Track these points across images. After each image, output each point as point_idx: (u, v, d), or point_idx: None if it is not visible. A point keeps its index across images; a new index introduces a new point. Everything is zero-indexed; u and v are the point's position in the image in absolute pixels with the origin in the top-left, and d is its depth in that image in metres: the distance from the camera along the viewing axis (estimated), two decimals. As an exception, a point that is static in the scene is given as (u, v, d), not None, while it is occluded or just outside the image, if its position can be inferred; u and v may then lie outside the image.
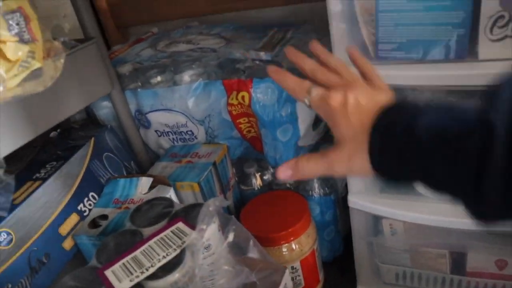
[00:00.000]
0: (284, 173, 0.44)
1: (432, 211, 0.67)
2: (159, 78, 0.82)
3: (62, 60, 0.49)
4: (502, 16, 0.50)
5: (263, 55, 0.74)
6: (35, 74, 0.46)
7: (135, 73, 0.83)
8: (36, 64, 0.47)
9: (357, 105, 0.39)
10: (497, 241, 0.71)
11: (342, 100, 0.40)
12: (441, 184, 0.34)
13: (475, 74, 0.52)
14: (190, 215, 0.54)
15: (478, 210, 0.33)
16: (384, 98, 0.39)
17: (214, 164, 0.76)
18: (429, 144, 0.33)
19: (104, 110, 0.85)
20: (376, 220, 0.76)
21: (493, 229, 0.64)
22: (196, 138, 0.82)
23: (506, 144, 0.29)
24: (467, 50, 0.53)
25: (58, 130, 0.84)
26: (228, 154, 0.81)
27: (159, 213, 0.58)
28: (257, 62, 0.72)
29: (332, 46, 0.58)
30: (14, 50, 0.47)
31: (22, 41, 0.48)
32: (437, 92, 0.57)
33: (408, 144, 0.34)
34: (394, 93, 0.41)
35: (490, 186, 0.30)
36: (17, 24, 0.47)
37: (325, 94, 0.41)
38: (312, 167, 0.43)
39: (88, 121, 0.89)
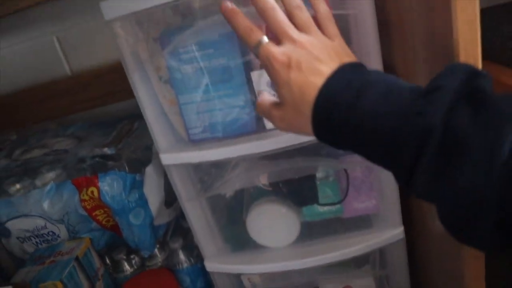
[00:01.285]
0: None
1: (279, 259, 0.76)
2: (17, 186, 0.85)
3: None
4: (273, 95, 0.63)
5: (106, 150, 0.81)
6: None
7: (-10, 185, 0.85)
8: None
9: (299, 69, 0.40)
10: (340, 271, 0.82)
11: (286, 62, 0.40)
12: (376, 162, 0.37)
13: (266, 142, 0.64)
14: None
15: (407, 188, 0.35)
16: (327, 68, 0.39)
17: (76, 258, 0.79)
18: (367, 132, 0.35)
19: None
20: (237, 277, 0.83)
21: (333, 261, 0.74)
22: (59, 237, 0.85)
23: (439, 144, 0.31)
24: (255, 124, 0.65)
25: None
26: (92, 246, 0.85)
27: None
28: (98, 159, 0.79)
29: (153, 136, 0.68)
30: None
31: None
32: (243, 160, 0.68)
33: (348, 127, 0.36)
34: (341, 43, 0.43)
35: (419, 181, 0.33)
36: None
37: (270, 52, 0.41)
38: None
39: None
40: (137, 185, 0.78)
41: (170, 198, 0.87)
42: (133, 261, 0.90)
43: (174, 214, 0.89)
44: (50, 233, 0.85)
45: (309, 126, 0.40)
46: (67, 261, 0.79)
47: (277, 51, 0.41)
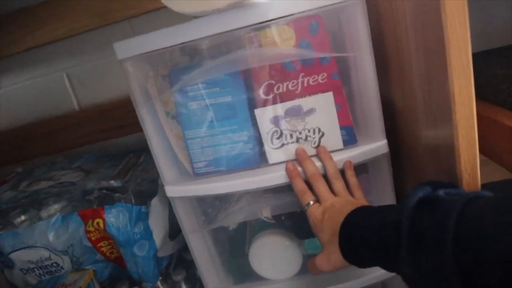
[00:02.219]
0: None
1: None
2: (22, 218, 0.86)
3: None
4: (276, 131, 0.66)
5: (113, 183, 0.83)
6: None
7: (-4, 216, 0.87)
8: None
9: (329, 220, 0.56)
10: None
11: (321, 219, 0.58)
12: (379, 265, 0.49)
13: (269, 176, 0.66)
14: None
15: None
16: (349, 210, 0.54)
17: (79, 290, 0.80)
18: (370, 244, 0.49)
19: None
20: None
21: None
22: (63, 269, 0.86)
23: (408, 239, 0.43)
24: (259, 158, 0.68)
25: None
26: (95, 277, 0.85)
27: None
28: (104, 191, 0.81)
29: (159, 169, 0.70)
30: None
31: None
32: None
33: (358, 244, 0.51)
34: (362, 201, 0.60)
35: (403, 267, 0.44)
36: None
37: (313, 213, 0.60)
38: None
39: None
40: (143, 217, 0.80)
41: (174, 231, 0.88)
42: (136, 294, 0.90)
43: (178, 247, 0.90)
44: (54, 265, 0.85)
45: (340, 256, 0.54)
46: (70, 293, 0.79)
47: (316, 212, 0.60)
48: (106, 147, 1.16)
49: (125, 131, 1.12)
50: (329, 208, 0.58)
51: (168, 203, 0.87)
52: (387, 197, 0.70)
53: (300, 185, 0.63)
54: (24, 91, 1.16)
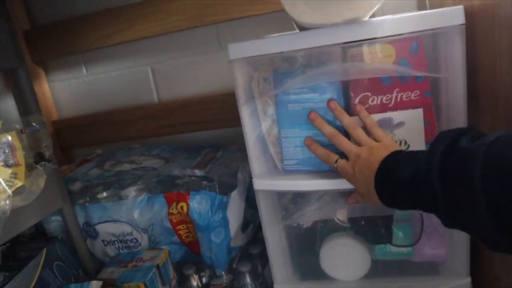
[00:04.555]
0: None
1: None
2: (104, 194, 0.94)
3: (43, 180, 0.62)
4: (365, 139, 0.71)
5: (197, 172, 0.90)
6: (19, 191, 0.58)
7: (84, 190, 0.95)
8: (19, 183, 0.59)
9: (360, 173, 0.62)
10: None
11: (352, 172, 0.64)
12: (416, 207, 0.55)
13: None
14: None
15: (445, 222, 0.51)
16: (377, 158, 0.59)
17: (157, 266, 0.86)
18: (405, 189, 0.54)
19: (53, 223, 0.95)
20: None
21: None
22: (140, 245, 0.93)
23: (438, 185, 0.48)
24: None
25: (7, 244, 0.91)
26: (170, 257, 0.92)
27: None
28: (193, 178, 0.88)
29: (250, 162, 0.76)
30: (-1, 172, 0.60)
31: (6, 165, 0.60)
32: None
33: (395, 190, 0.56)
34: (386, 140, 0.65)
35: (441, 210, 0.49)
36: (4, 152, 0.60)
37: (343, 168, 0.66)
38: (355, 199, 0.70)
39: (36, 234, 0.97)
40: (223, 206, 0.86)
41: (245, 225, 0.94)
42: (202, 278, 0.96)
43: (246, 240, 0.96)
44: (134, 240, 0.93)
45: (376, 197, 0.60)
46: (149, 267, 0.86)
47: (346, 166, 0.65)
48: (178, 141, 1.24)
49: (199, 127, 1.19)
50: (357, 160, 0.63)
51: (244, 197, 0.93)
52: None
53: (321, 150, 0.70)
54: (110, 81, 1.26)
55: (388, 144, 0.64)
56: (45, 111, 1.26)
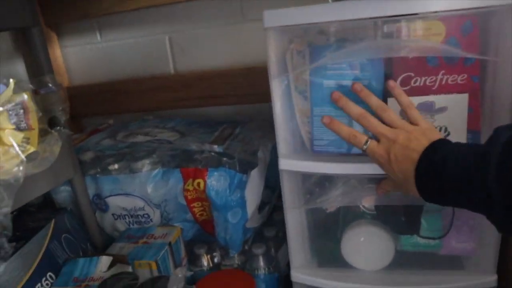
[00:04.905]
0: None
1: (365, 282, 0.78)
2: (116, 166, 0.90)
3: (58, 147, 0.57)
4: (403, 123, 0.66)
5: (216, 147, 0.86)
6: (32, 158, 0.54)
7: (95, 160, 0.91)
8: (31, 149, 0.55)
9: (397, 161, 0.56)
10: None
11: (387, 158, 0.57)
12: (463, 207, 0.51)
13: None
14: (157, 285, 0.61)
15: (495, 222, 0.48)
16: (416, 153, 0.54)
17: (169, 244, 0.83)
18: (454, 189, 0.50)
19: (62, 194, 0.91)
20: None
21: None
22: (152, 221, 0.90)
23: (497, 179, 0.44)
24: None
25: (14, 212, 0.87)
26: (182, 235, 0.88)
27: (126, 286, 0.63)
28: (212, 153, 0.84)
29: (277, 141, 0.72)
30: (10, 136, 0.55)
31: (18, 129, 0.56)
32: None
33: (442, 188, 0.51)
34: (424, 124, 0.59)
35: (498, 216, 0.46)
36: (16, 114, 0.56)
37: (375, 152, 0.59)
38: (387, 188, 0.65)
39: (44, 204, 0.93)
40: (242, 186, 0.82)
41: (262, 205, 0.90)
42: (213, 259, 0.93)
43: (261, 221, 0.92)
44: (145, 216, 0.89)
45: (414, 189, 0.55)
46: (161, 245, 0.82)
47: (378, 150, 0.59)
48: (193, 115, 1.19)
49: (216, 101, 1.14)
50: (392, 146, 0.57)
51: (264, 177, 0.89)
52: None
53: (346, 129, 0.62)
54: (124, 48, 1.21)
55: (426, 129, 0.58)
56: (56, 77, 1.21)
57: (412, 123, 0.60)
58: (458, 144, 0.54)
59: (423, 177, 0.53)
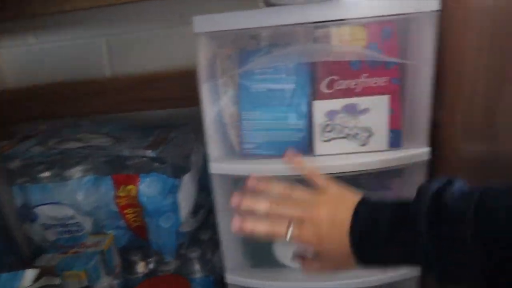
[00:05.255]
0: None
1: (298, 279, 0.79)
2: (47, 174, 0.86)
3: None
4: (328, 124, 0.68)
5: (149, 152, 0.84)
6: None
7: (23, 169, 0.87)
8: None
9: (329, 238, 0.49)
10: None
11: (316, 240, 0.49)
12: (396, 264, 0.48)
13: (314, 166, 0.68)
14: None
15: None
16: (345, 216, 0.48)
17: (101, 252, 0.80)
18: (391, 246, 0.46)
19: (-15, 204, 0.86)
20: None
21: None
22: (83, 230, 0.87)
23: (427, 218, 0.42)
24: (307, 148, 0.70)
25: None
26: (115, 243, 0.86)
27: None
28: (144, 158, 0.82)
29: (207, 145, 0.72)
30: None
31: None
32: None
33: (378, 244, 0.47)
34: (334, 188, 0.53)
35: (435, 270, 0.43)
36: None
37: (302, 239, 0.50)
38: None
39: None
40: (174, 190, 0.81)
41: (196, 208, 0.90)
42: (148, 265, 0.91)
43: (196, 225, 0.92)
44: (77, 224, 0.86)
45: (350, 259, 0.48)
46: (92, 254, 0.80)
47: (305, 236, 0.50)
48: (130, 119, 1.16)
49: (152, 105, 1.12)
50: (318, 225, 0.50)
51: (197, 181, 0.88)
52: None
53: (262, 227, 0.52)
54: (60, 51, 1.16)
55: (342, 193, 0.53)
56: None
57: (322, 191, 0.54)
58: (379, 202, 0.49)
59: (358, 240, 0.48)
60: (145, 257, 0.92)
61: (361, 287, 0.77)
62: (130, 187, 0.81)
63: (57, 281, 0.72)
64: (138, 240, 0.90)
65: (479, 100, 0.58)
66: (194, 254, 0.90)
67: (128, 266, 0.91)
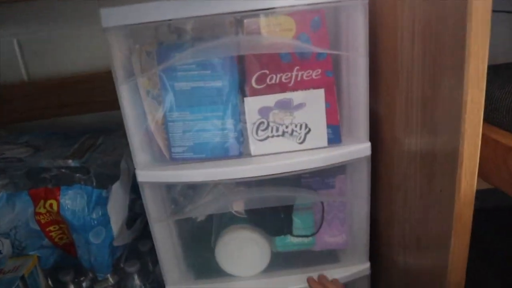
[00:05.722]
0: None
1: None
2: (-44, 192, 0.76)
3: None
4: (262, 122, 0.64)
5: (71, 162, 0.76)
6: None
7: None
8: None
9: None
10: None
11: None
12: None
13: (250, 168, 0.64)
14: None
15: None
16: None
17: (22, 277, 0.72)
18: None
19: None
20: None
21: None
22: (1, 253, 0.77)
23: None
24: (242, 148, 0.65)
25: None
26: (39, 264, 0.77)
27: None
28: (63, 170, 0.74)
29: (132, 151, 0.65)
30: None
31: None
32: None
33: None
34: None
35: None
36: None
37: None
38: None
39: None
40: (102, 202, 0.74)
41: (131, 219, 0.83)
42: (82, 284, 0.83)
43: (133, 236, 0.85)
44: (-8, 248, 0.77)
45: None
46: (10, 280, 0.71)
47: None
48: (54, 125, 1.06)
49: (78, 109, 1.03)
50: None
51: (129, 190, 0.81)
52: (362, 200, 0.70)
53: None
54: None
55: None
56: None
57: None
58: None
59: None
60: (78, 276, 0.84)
61: None
62: (50, 201, 0.73)
63: (-32, 316, 0.63)
64: (69, 258, 0.82)
65: (416, 90, 0.55)
66: (133, 268, 0.83)
67: (59, 288, 0.83)
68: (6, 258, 0.78)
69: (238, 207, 0.72)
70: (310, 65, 0.62)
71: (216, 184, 0.70)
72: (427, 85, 0.52)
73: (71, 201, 0.72)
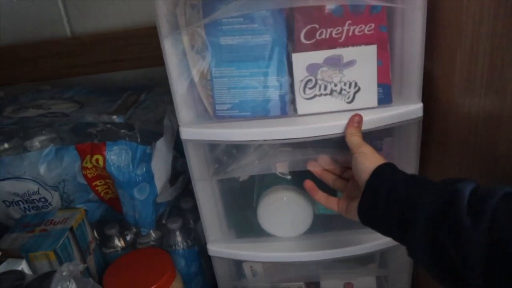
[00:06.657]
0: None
1: (285, 249, 0.75)
2: (6, 145, 0.79)
3: None
4: (310, 80, 0.61)
5: (115, 118, 0.76)
6: None
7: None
8: None
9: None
10: (343, 268, 0.81)
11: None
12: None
13: (297, 128, 0.61)
14: (43, 284, 0.53)
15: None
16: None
17: (71, 229, 0.74)
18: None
19: None
20: (238, 264, 0.81)
21: (339, 257, 0.74)
22: (51, 205, 0.80)
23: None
24: (288, 107, 0.63)
25: None
26: (86, 217, 0.80)
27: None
28: (109, 125, 0.74)
29: (176, 108, 0.64)
30: None
31: None
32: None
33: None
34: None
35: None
36: None
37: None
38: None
39: None
40: (146, 158, 0.74)
41: (174, 177, 0.83)
42: (126, 238, 0.86)
43: (175, 194, 0.86)
44: (42, 200, 0.79)
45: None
46: (60, 231, 0.74)
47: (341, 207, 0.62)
48: (96, 82, 1.07)
49: (121, 65, 1.03)
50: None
51: (172, 147, 0.81)
52: (411, 165, 0.67)
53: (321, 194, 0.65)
54: (11, 9, 1.04)
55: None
56: None
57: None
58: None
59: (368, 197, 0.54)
60: (122, 230, 0.87)
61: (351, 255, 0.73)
62: (96, 156, 0.74)
63: (22, 264, 0.66)
64: (114, 212, 0.84)
65: (483, 46, 0.50)
66: (175, 224, 0.84)
67: (105, 241, 0.86)
68: (56, 210, 0.80)
69: (281, 168, 0.71)
70: (363, 19, 0.58)
71: (260, 144, 0.68)
72: (498, 39, 0.47)
73: (117, 157, 0.73)
